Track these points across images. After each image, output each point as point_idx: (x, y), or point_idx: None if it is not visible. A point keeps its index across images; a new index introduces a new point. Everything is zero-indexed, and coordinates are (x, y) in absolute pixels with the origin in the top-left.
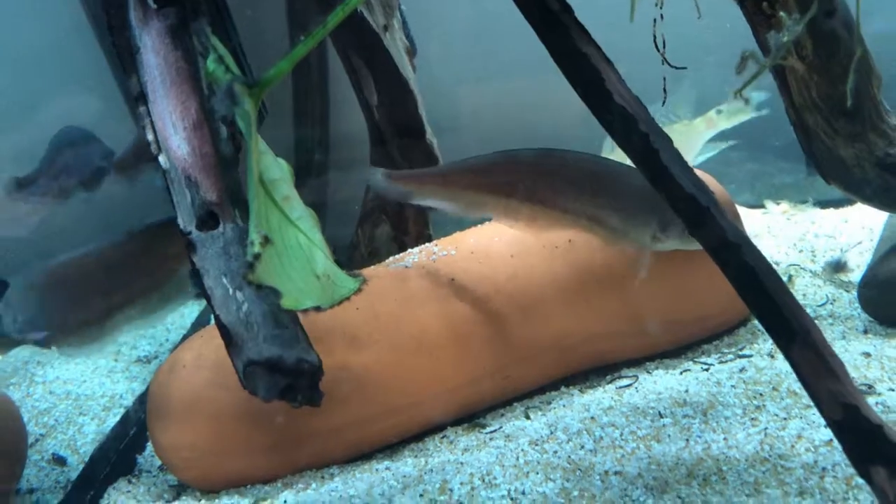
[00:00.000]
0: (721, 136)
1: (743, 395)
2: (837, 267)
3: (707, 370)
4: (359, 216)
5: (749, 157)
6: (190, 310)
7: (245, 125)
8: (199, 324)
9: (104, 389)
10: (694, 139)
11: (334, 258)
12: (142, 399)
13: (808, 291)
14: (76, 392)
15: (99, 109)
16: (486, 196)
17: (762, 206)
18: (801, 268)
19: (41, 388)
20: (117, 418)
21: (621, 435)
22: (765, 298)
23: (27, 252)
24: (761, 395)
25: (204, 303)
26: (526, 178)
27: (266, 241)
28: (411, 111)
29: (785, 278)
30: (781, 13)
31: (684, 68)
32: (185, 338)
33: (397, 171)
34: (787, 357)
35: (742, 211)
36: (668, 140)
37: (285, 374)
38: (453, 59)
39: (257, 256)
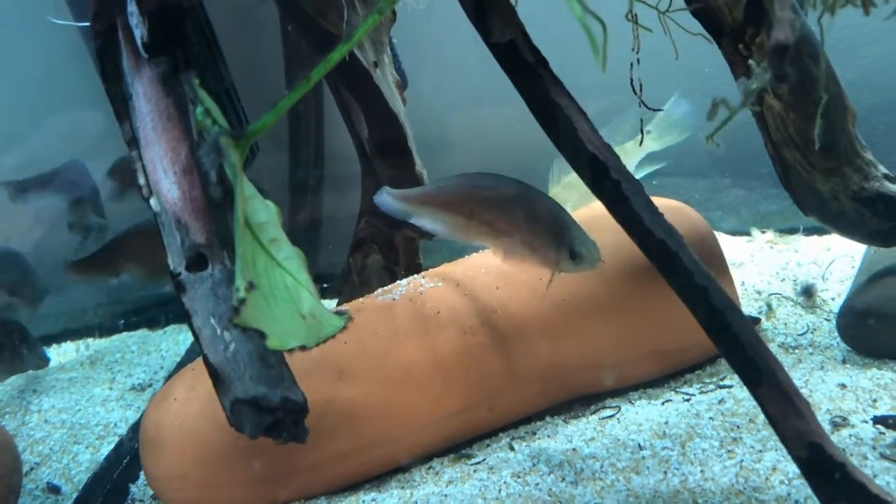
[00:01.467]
0: (653, 157)
1: (721, 427)
2: (807, 292)
3: (688, 400)
4: (350, 245)
5: (735, 183)
6: (185, 337)
7: (232, 174)
8: (193, 351)
9: (98, 418)
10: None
11: (329, 285)
12: (135, 428)
13: (788, 321)
14: (71, 421)
15: (105, 125)
16: (450, 215)
17: (748, 234)
18: (783, 297)
19: (36, 417)
20: (111, 447)
21: (601, 467)
22: (732, 340)
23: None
24: (738, 427)
25: None
26: (473, 201)
27: (251, 286)
28: (401, 144)
29: (766, 307)
30: (750, 61)
31: (660, 110)
32: (179, 365)
33: (401, 190)
34: (754, 396)
35: (726, 238)
36: (639, 186)
37: (270, 412)
38: (444, 88)
39: (242, 301)
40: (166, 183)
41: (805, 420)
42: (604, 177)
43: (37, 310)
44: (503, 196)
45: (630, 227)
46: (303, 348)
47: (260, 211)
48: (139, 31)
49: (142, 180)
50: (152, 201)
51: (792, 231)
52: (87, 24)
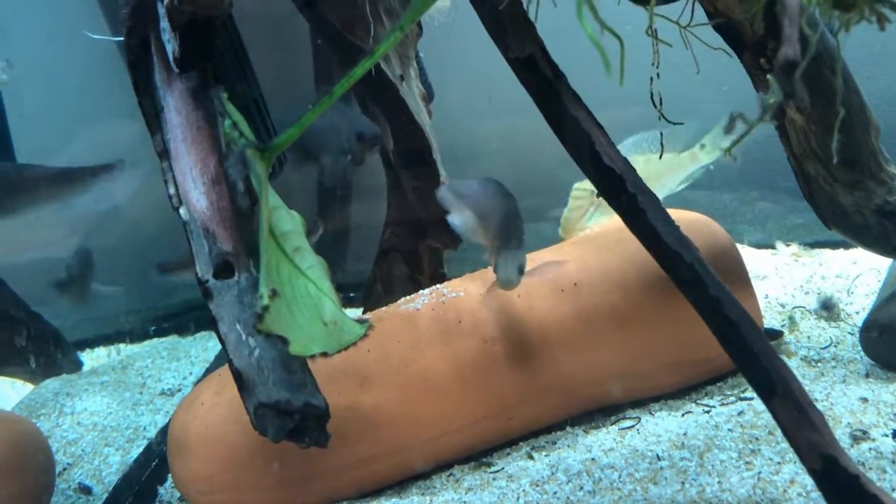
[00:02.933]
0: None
1: (739, 438)
2: (826, 306)
3: (708, 412)
4: (376, 255)
5: (762, 196)
6: (213, 343)
7: (257, 185)
8: (221, 357)
9: (129, 421)
10: (677, 171)
11: (355, 294)
12: (164, 431)
13: (812, 334)
14: (102, 423)
15: (136, 132)
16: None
17: (772, 247)
18: (807, 310)
19: (70, 419)
20: (140, 450)
21: (619, 477)
22: (745, 352)
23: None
24: (757, 439)
25: None
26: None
27: (274, 294)
28: (426, 156)
29: (789, 321)
30: (768, 76)
31: (681, 124)
32: (207, 371)
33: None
34: (768, 407)
35: (751, 251)
36: (655, 200)
37: (293, 416)
38: (469, 99)
39: (266, 308)
40: (195, 193)
41: (819, 432)
42: (621, 190)
43: (78, 305)
44: (489, 205)
45: (646, 239)
46: (324, 355)
47: (284, 220)
48: (171, 47)
49: (171, 190)
50: (182, 211)
51: (817, 244)
52: (121, 38)
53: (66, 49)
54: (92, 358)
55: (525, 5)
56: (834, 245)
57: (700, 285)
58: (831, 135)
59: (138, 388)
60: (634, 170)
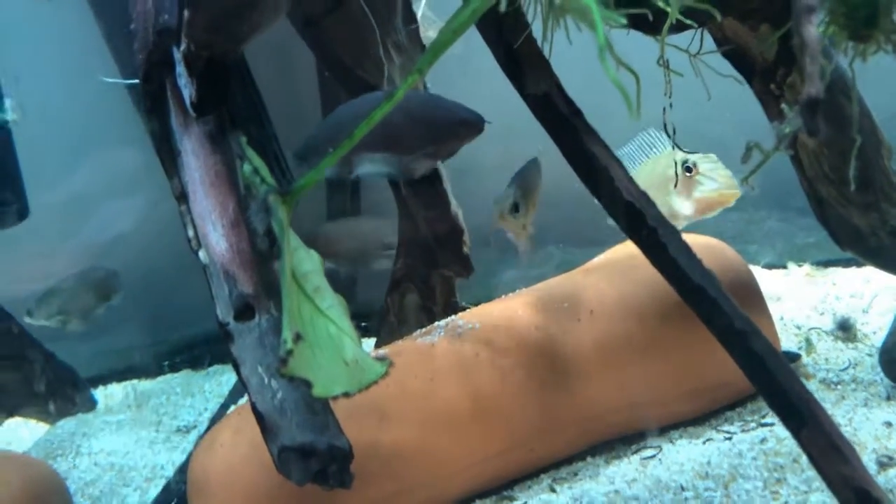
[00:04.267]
0: None
1: (764, 467)
2: (843, 326)
3: (729, 439)
4: (388, 285)
5: (770, 215)
6: (228, 377)
7: (279, 230)
8: (235, 392)
9: (146, 461)
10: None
11: (367, 323)
12: (182, 470)
13: (829, 355)
14: (120, 463)
15: (144, 161)
16: None
17: (784, 267)
18: (823, 331)
19: (87, 460)
20: (158, 489)
21: None
22: (773, 385)
23: None
24: (782, 467)
25: None
26: None
27: (298, 338)
28: (436, 186)
29: (805, 343)
30: (783, 105)
31: (694, 153)
32: (222, 406)
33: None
34: (798, 441)
35: (763, 272)
36: (676, 233)
37: (317, 459)
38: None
39: (290, 352)
40: (215, 236)
41: (850, 465)
42: (641, 224)
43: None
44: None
45: (668, 273)
46: (346, 395)
47: (304, 261)
48: (187, 92)
49: (191, 233)
50: (201, 253)
51: (828, 263)
52: (133, 81)
53: (76, 89)
54: (105, 395)
55: (539, 43)
56: (846, 263)
57: (724, 319)
58: (843, 158)
59: (154, 426)
60: (654, 204)
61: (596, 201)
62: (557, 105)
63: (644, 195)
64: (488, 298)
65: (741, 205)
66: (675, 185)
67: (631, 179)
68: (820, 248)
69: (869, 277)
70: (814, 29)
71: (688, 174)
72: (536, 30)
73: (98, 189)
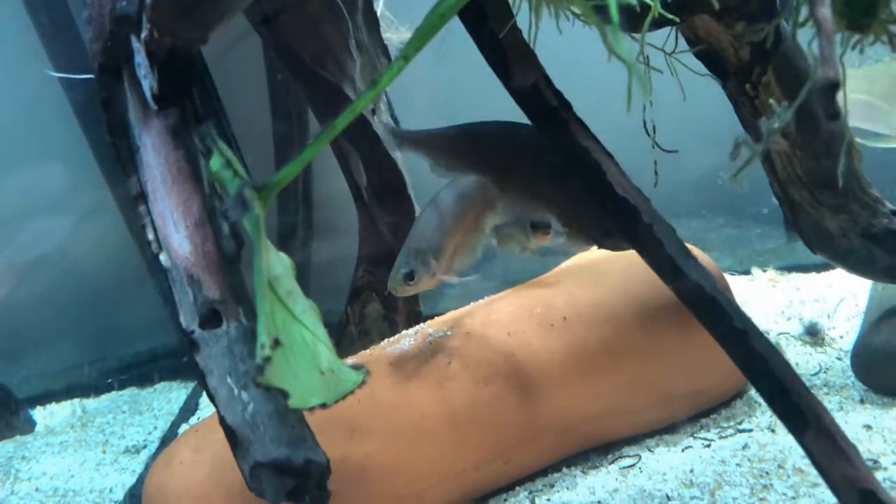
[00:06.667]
0: None
1: (749, 473)
2: (811, 331)
3: (708, 446)
4: (348, 295)
5: (726, 222)
6: (177, 394)
7: (253, 228)
8: (186, 409)
9: (93, 484)
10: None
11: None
12: (132, 493)
13: (799, 360)
14: (63, 488)
15: (71, 175)
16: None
17: (747, 273)
18: (792, 336)
19: (26, 485)
20: None
21: None
22: (774, 385)
23: None
24: (767, 473)
25: (190, 387)
26: None
27: (276, 343)
28: (400, 191)
29: None
30: (771, 99)
31: (675, 151)
32: (173, 425)
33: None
34: (801, 443)
35: (728, 278)
36: (671, 229)
37: (293, 475)
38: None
39: (268, 359)
40: (177, 237)
41: (854, 466)
42: (636, 221)
43: None
44: None
45: (663, 270)
46: (323, 406)
47: (275, 263)
48: (147, 82)
49: (151, 236)
50: (162, 257)
51: (789, 268)
52: (83, 76)
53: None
54: (45, 416)
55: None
56: (806, 269)
57: (723, 318)
58: (816, 160)
59: (100, 447)
60: (648, 199)
61: None
62: (546, 97)
63: (637, 190)
64: (452, 308)
65: (697, 212)
66: None
67: (623, 174)
68: (779, 254)
69: (831, 282)
70: (828, 11)
71: None
72: (521, 22)
73: (23, 206)
